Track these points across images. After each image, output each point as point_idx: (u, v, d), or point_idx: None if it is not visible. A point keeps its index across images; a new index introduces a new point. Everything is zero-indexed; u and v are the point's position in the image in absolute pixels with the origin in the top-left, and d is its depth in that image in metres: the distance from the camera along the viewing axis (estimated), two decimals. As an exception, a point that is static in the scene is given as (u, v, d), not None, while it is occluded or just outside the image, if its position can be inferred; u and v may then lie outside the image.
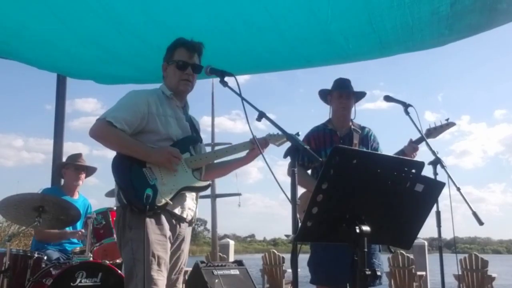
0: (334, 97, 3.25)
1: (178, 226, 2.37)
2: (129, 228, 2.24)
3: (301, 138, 2.66)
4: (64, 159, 4.41)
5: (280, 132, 2.53)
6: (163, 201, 2.24)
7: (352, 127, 3.24)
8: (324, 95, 3.32)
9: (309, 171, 3.22)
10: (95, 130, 2.31)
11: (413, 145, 3.06)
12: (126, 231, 2.25)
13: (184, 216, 2.38)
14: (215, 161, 2.60)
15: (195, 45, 2.52)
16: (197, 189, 2.46)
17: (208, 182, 2.47)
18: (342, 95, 3.21)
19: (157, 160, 2.30)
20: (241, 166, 2.64)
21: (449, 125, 3.16)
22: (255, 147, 2.45)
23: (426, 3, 3.32)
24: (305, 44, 3.96)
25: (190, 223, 2.46)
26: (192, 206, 2.43)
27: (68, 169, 4.05)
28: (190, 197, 2.41)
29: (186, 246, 2.47)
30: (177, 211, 2.33)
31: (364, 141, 3.24)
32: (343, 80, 3.26)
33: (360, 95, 3.30)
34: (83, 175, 4.06)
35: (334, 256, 2.81)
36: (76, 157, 4.10)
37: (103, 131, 2.30)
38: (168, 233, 2.29)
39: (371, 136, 3.29)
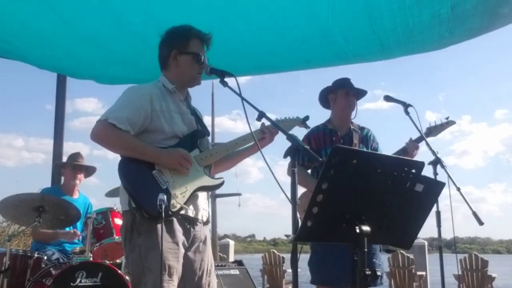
0: (339, 96, 3.21)
1: (192, 228, 2.24)
2: (138, 233, 2.10)
3: (309, 122, 2.60)
4: (64, 159, 4.41)
5: (288, 117, 2.46)
6: (178, 206, 2.12)
7: (351, 127, 3.24)
8: (325, 95, 3.30)
9: (309, 171, 3.22)
10: (97, 133, 2.15)
11: (414, 143, 3.07)
12: (135, 236, 2.11)
13: (199, 217, 2.26)
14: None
15: (209, 39, 2.37)
16: (211, 188, 2.33)
17: (222, 180, 2.32)
18: (349, 92, 3.19)
19: (167, 163, 2.17)
20: (249, 156, 2.51)
21: (449, 123, 3.16)
22: (265, 136, 2.35)
23: (426, 6, 3.32)
24: (305, 45, 3.96)
25: (205, 223, 2.34)
26: (205, 206, 2.32)
27: (66, 169, 4.06)
28: (202, 196, 2.30)
29: (207, 247, 2.34)
30: (191, 213, 2.20)
31: (364, 141, 3.24)
32: (347, 79, 3.25)
33: (362, 94, 3.30)
34: (81, 175, 4.05)
35: (334, 256, 2.80)
36: (74, 156, 4.11)
37: (106, 134, 2.15)
38: (181, 239, 2.16)
39: (371, 136, 3.29)
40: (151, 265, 2.04)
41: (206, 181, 2.27)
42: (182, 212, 2.16)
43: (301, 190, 3.02)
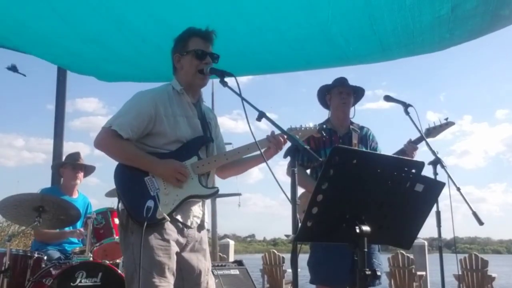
0: (334, 95, 3.25)
1: (185, 229, 2.25)
2: (131, 232, 2.16)
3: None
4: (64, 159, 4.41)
5: (304, 126, 2.41)
6: (163, 215, 2.14)
7: (351, 127, 3.24)
8: (323, 96, 3.32)
9: (309, 171, 3.22)
10: (99, 140, 2.22)
11: (412, 145, 3.06)
12: (128, 234, 2.17)
13: (188, 223, 2.25)
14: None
15: (210, 34, 2.36)
16: (202, 198, 2.33)
17: (215, 189, 2.32)
18: (342, 91, 3.22)
19: (162, 174, 2.21)
20: (256, 165, 2.47)
21: (448, 124, 3.16)
22: (271, 145, 2.31)
23: (427, 7, 3.32)
24: (306, 45, 3.96)
25: (199, 228, 2.34)
26: (198, 213, 2.31)
27: (66, 169, 4.06)
28: (196, 203, 2.30)
29: (203, 246, 2.35)
30: (179, 218, 2.22)
31: (363, 140, 3.24)
32: (341, 78, 3.28)
33: (360, 93, 3.31)
34: (80, 174, 4.06)
35: (334, 256, 2.80)
36: (74, 156, 4.11)
37: (107, 143, 2.22)
38: (174, 237, 2.18)
39: (370, 135, 3.30)
40: (144, 263, 2.07)
41: (198, 190, 2.28)
42: (173, 215, 2.19)
43: (301, 190, 3.02)
